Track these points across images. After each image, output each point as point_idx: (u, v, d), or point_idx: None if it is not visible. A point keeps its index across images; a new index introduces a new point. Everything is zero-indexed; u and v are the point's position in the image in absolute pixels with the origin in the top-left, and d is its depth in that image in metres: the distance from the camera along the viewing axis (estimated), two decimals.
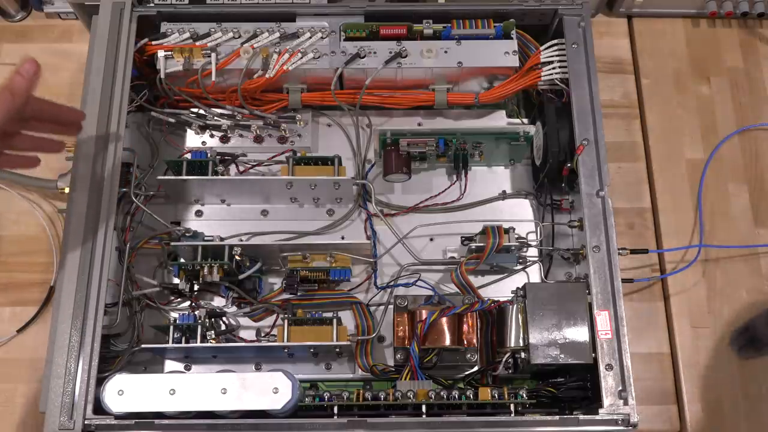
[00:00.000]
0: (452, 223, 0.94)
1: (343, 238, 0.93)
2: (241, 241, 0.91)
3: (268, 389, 0.74)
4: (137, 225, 0.91)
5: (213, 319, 0.87)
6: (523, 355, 0.80)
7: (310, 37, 0.92)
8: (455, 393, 0.78)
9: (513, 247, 0.86)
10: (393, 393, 0.78)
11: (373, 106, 0.95)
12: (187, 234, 0.88)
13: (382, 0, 0.97)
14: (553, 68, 0.91)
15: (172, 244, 0.87)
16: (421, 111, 0.98)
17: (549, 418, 0.77)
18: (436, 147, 0.92)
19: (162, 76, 0.91)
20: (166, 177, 0.90)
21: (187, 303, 0.90)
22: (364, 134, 0.97)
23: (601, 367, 0.77)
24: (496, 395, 0.78)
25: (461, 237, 0.88)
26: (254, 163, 0.95)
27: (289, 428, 0.75)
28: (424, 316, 0.81)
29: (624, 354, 0.78)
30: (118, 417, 0.74)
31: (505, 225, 0.86)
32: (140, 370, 0.87)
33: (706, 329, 0.94)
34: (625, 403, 0.76)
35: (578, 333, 0.79)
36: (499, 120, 0.97)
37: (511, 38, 0.92)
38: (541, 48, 0.92)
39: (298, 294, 0.88)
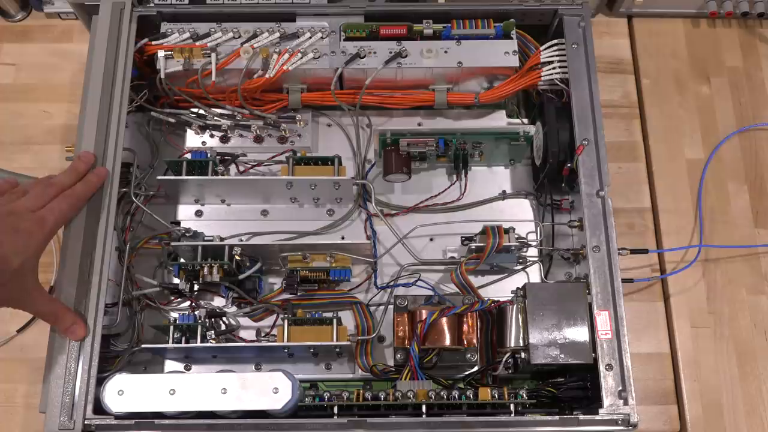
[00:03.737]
0: (452, 223, 0.94)
1: (343, 238, 0.93)
2: (241, 241, 0.91)
3: (268, 389, 0.74)
4: (137, 225, 0.92)
5: (213, 319, 0.87)
6: (523, 355, 0.80)
7: (310, 37, 0.92)
8: (455, 393, 0.78)
9: (513, 247, 0.86)
10: (393, 393, 0.78)
11: (373, 106, 0.95)
12: (187, 234, 0.88)
13: (382, 0, 0.97)
14: (553, 68, 0.91)
15: (172, 244, 0.86)
16: (421, 111, 0.98)
17: (549, 418, 0.76)
18: (436, 147, 0.92)
19: (162, 76, 0.91)
20: (166, 177, 0.90)
21: (187, 303, 0.90)
22: (364, 134, 0.97)
23: (601, 367, 0.77)
24: (496, 395, 0.78)
25: (461, 237, 0.88)
26: (254, 163, 0.95)
27: (289, 428, 0.75)
28: (424, 316, 0.81)
29: (624, 354, 0.77)
30: (118, 417, 0.74)
31: (505, 225, 0.86)
32: (140, 370, 0.87)
33: (706, 329, 0.94)
34: (625, 403, 0.76)
35: (578, 333, 0.79)
36: (499, 120, 0.97)
37: (511, 38, 0.92)
38: (541, 48, 0.92)
39: (298, 294, 0.88)
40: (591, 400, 0.80)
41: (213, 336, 0.84)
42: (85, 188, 0.81)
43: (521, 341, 0.80)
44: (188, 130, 0.97)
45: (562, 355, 0.78)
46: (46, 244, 0.77)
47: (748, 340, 0.93)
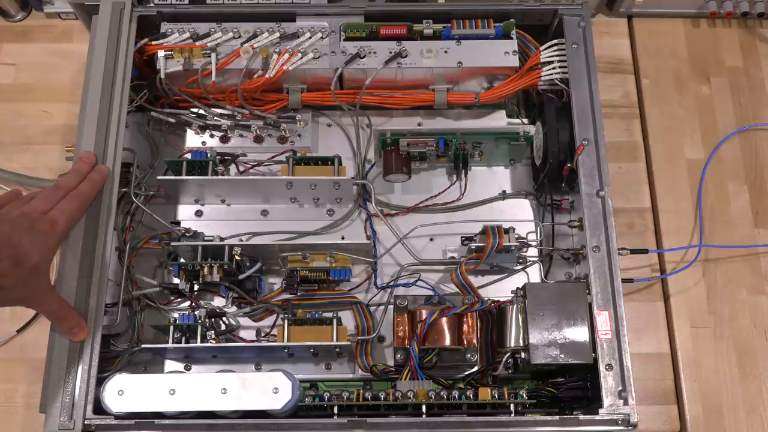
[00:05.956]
0: (452, 223, 0.94)
1: (343, 238, 0.93)
2: (241, 241, 0.91)
3: (268, 389, 0.74)
4: (137, 225, 0.92)
5: (213, 319, 0.87)
6: (523, 355, 0.80)
7: (310, 37, 0.92)
8: (455, 393, 0.78)
9: (513, 247, 0.86)
10: (393, 393, 0.78)
11: (373, 106, 0.95)
12: (187, 234, 0.88)
13: (382, 0, 0.97)
14: (553, 68, 0.91)
15: (172, 244, 0.87)
16: (421, 111, 0.98)
17: (549, 418, 0.76)
18: (436, 147, 0.92)
19: (162, 76, 0.91)
20: (166, 177, 0.90)
21: (187, 303, 0.90)
22: (364, 134, 0.97)
23: (601, 367, 0.77)
24: (496, 395, 0.78)
25: (461, 237, 0.88)
26: (254, 163, 0.95)
27: (289, 428, 0.75)
28: (424, 316, 0.81)
29: (624, 354, 0.77)
30: (118, 417, 0.74)
31: (505, 225, 0.86)
32: (140, 370, 0.87)
33: (706, 329, 0.94)
34: (625, 403, 0.76)
35: (578, 333, 0.79)
36: (499, 120, 0.97)
37: (511, 38, 0.92)
38: (541, 48, 0.92)
39: (298, 294, 0.88)
40: (591, 400, 0.80)
41: (213, 336, 0.84)
42: (90, 187, 0.81)
43: (521, 341, 0.80)
44: (188, 130, 0.97)
45: (562, 355, 0.78)
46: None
47: (748, 340, 0.93)
